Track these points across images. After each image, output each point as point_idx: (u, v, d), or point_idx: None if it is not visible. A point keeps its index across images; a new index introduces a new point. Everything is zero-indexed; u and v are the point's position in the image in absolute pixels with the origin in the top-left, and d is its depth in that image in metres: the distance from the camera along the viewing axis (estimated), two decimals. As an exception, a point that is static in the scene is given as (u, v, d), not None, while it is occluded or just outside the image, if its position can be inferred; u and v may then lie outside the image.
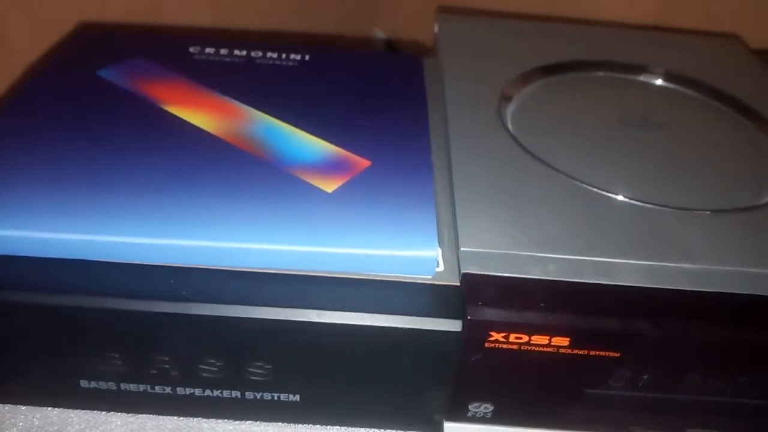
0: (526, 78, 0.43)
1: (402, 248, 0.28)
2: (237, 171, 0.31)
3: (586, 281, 0.29)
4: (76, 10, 0.50)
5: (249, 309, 0.27)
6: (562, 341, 0.28)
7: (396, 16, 0.64)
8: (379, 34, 0.65)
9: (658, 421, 0.31)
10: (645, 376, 0.29)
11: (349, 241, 0.28)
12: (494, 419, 0.31)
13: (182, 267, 0.28)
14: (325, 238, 0.28)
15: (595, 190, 0.34)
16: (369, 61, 0.41)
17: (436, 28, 0.49)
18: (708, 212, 0.33)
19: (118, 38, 0.41)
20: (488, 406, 0.31)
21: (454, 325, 0.27)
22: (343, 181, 0.31)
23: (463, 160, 0.35)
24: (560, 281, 0.29)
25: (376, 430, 0.31)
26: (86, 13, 0.51)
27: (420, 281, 0.29)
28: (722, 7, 0.57)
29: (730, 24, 0.56)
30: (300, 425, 0.31)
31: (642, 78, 0.45)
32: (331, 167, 0.32)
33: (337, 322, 0.27)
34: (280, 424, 0.31)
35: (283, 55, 0.40)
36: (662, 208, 0.33)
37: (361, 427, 0.31)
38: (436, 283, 0.29)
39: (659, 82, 0.45)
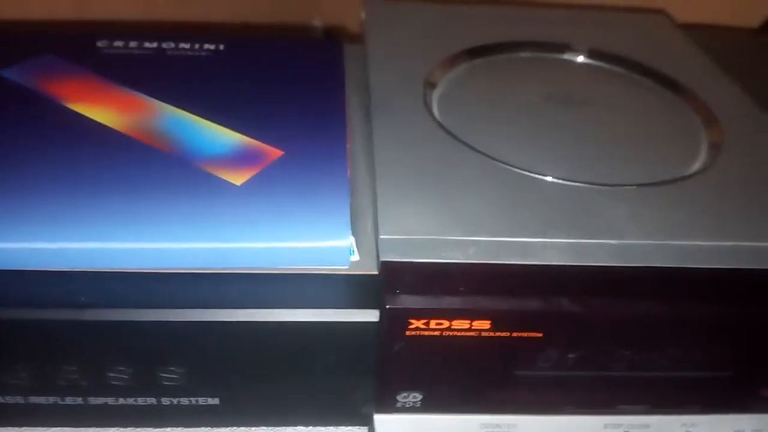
0: (451, 62, 0.43)
1: (315, 239, 0.27)
2: (142, 167, 0.30)
3: (505, 262, 0.28)
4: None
5: (157, 312, 0.26)
6: (483, 324, 0.27)
7: (334, 3, 0.63)
8: (318, 22, 0.64)
9: (588, 400, 0.31)
10: (570, 355, 0.29)
11: (260, 234, 0.27)
12: (424, 408, 0.30)
13: (82, 271, 0.27)
14: (234, 234, 0.27)
15: (520, 171, 0.33)
16: (286, 49, 0.40)
17: (362, 14, 0.48)
18: (634, 187, 0.33)
19: (22, 35, 0.39)
20: (417, 395, 0.30)
21: (371, 315, 0.27)
22: (253, 173, 0.30)
23: (387, 147, 0.34)
24: (479, 264, 0.28)
25: (303, 428, 0.30)
26: (6, 12, 0.49)
27: (337, 272, 0.28)
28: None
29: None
30: (223, 428, 0.30)
31: (566, 56, 0.45)
32: (241, 159, 0.30)
33: (252, 320, 0.26)
34: (201, 428, 0.30)
35: (197, 46, 0.39)
36: (588, 185, 0.33)
37: (289, 425, 0.30)
38: (354, 273, 0.28)
39: (583, 59, 0.45)
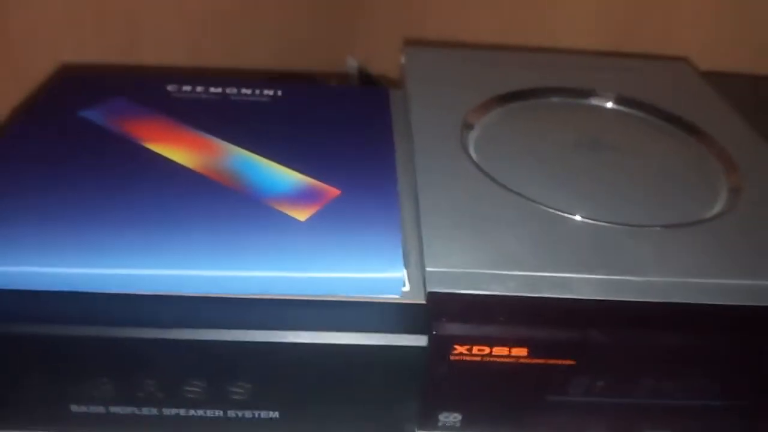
0: (486, 106, 0.46)
1: (370, 270, 0.30)
2: (215, 203, 0.33)
3: (541, 295, 0.31)
4: (53, 51, 0.52)
5: (229, 332, 0.29)
6: (521, 351, 0.30)
7: (368, 49, 0.66)
8: (352, 62, 0.68)
9: (614, 425, 0.34)
10: (600, 383, 0.31)
11: (322, 265, 0.30)
12: (463, 427, 0.33)
13: (165, 295, 0.30)
14: (299, 264, 0.30)
15: (551, 210, 0.36)
16: (338, 95, 0.43)
17: (402, 60, 0.51)
18: (658, 228, 0.36)
19: (98, 79, 0.43)
20: (457, 415, 0.33)
21: (420, 340, 0.29)
22: (315, 210, 0.33)
23: (429, 187, 0.37)
24: (517, 296, 0.31)
25: (351, 442, 0.33)
26: (63, 54, 0.53)
27: (389, 301, 0.31)
28: (674, 33, 0.61)
29: (682, 48, 0.59)
30: (280, 441, 0.33)
31: (594, 102, 0.48)
32: (303, 197, 0.34)
33: (313, 341, 0.29)
34: (261, 440, 0.33)
35: (257, 91, 0.43)
36: (615, 225, 0.36)
37: (338, 440, 0.33)
38: (404, 302, 0.31)
39: (610, 105, 0.48)
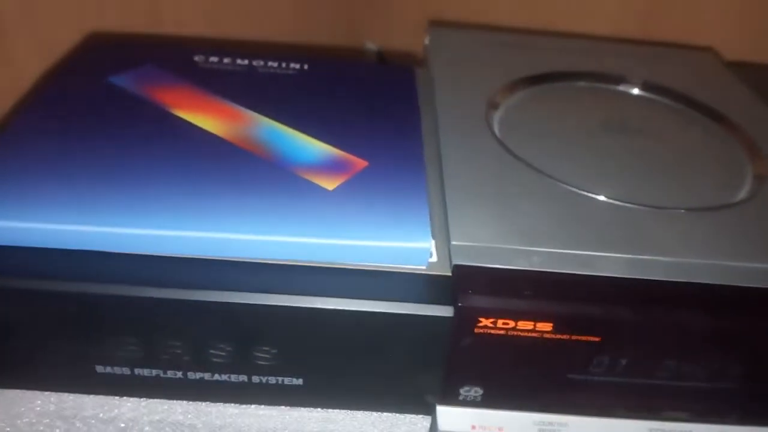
0: (513, 87, 0.46)
1: (398, 239, 0.30)
2: (244, 170, 0.33)
3: (567, 271, 0.31)
4: (76, 22, 0.52)
5: (255, 296, 0.29)
6: (546, 326, 0.30)
7: (386, 28, 0.66)
8: (371, 45, 0.68)
9: (636, 405, 0.34)
10: (623, 361, 0.32)
11: (350, 233, 0.30)
12: (484, 402, 0.33)
13: (195, 258, 0.30)
14: (327, 231, 0.30)
15: (576, 190, 0.36)
16: (364, 71, 0.43)
17: (426, 40, 0.51)
18: (682, 210, 0.36)
19: (126, 47, 0.44)
20: (478, 389, 0.33)
21: (446, 311, 0.29)
22: (343, 180, 0.33)
23: (454, 163, 0.37)
24: (544, 272, 0.31)
25: (373, 412, 0.33)
26: (85, 24, 0.53)
27: (415, 271, 0.31)
28: (700, 23, 0.60)
29: (707, 38, 0.59)
30: (302, 408, 0.33)
31: (621, 88, 0.48)
32: (332, 167, 0.34)
33: (339, 308, 0.29)
34: (283, 407, 0.33)
35: (283, 64, 0.43)
36: (640, 207, 0.36)
37: (359, 409, 0.33)
38: (430, 273, 0.31)
39: (637, 91, 0.48)
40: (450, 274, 0.31)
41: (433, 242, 0.32)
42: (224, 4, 0.59)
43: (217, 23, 0.59)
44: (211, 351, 0.30)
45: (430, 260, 0.31)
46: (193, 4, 0.57)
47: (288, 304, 0.29)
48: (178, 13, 0.57)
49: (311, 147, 0.35)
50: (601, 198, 0.36)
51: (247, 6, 0.60)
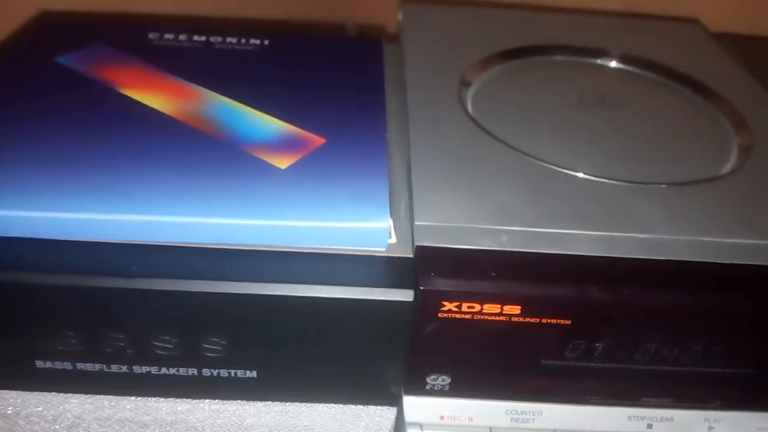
0: (487, 62, 0.44)
1: (354, 220, 0.28)
2: (192, 149, 0.31)
3: (536, 251, 0.29)
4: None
5: (203, 283, 0.27)
6: (514, 309, 0.28)
7: (367, 4, 0.64)
8: (351, 22, 0.65)
9: (613, 391, 0.32)
10: (599, 345, 0.30)
11: (302, 214, 0.28)
12: (452, 391, 0.31)
13: (135, 243, 0.28)
14: (278, 212, 0.28)
15: (551, 167, 0.34)
16: (328, 45, 0.41)
17: (399, 16, 0.49)
18: (664, 185, 0.34)
19: (77, 26, 0.42)
20: (446, 378, 0.31)
21: (406, 295, 0.28)
22: (297, 158, 0.31)
23: (422, 140, 0.35)
24: (511, 251, 0.29)
25: (334, 405, 0.31)
26: (51, 3, 0.51)
27: (374, 253, 0.29)
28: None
29: (693, 9, 0.57)
30: (258, 402, 0.31)
31: (600, 61, 0.46)
32: (285, 145, 0.32)
33: (292, 294, 0.27)
34: (237, 401, 0.31)
35: (243, 40, 0.41)
36: (618, 182, 0.34)
37: (320, 402, 0.31)
38: (390, 255, 0.29)
39: (616, 64, 0.46)
40: (412, 255, 0.29)
41: (391, 221, 0.30)
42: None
43: (188, 2, 0.57)
44: (156, 343, 0.28)
45: (390, 241, 0.29)
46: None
47: (236, 292, 0.27)
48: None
49: (265, 124, 0.33)
50: (579, 175, 0.34)
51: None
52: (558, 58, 0.46)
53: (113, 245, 0.28)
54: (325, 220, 0.28)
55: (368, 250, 0.29)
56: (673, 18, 0.55)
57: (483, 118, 0.38)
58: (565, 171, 0.34)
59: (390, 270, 0.29)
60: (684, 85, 0.44)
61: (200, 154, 0.31)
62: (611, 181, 0.34)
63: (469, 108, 0.39)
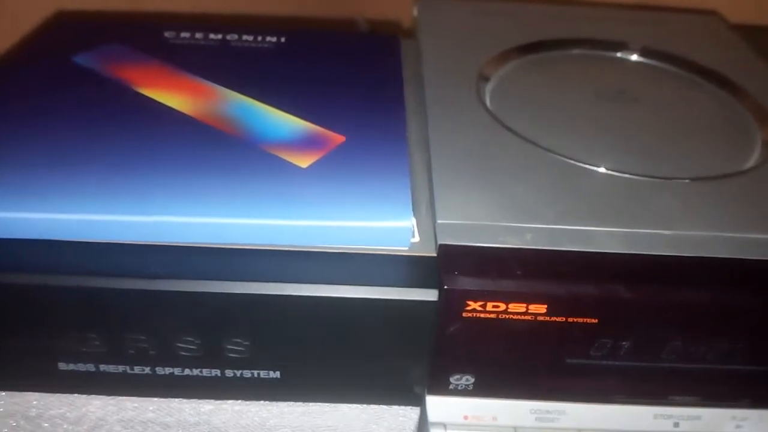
0: (505, 57, 0.43)
1: (377, 219, 0.28)
2: (212, 149, 0.31)
3: (562, 249, 0.29)
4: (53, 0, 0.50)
5: (226, 284, 0.27)
6: (540, 308, 0.28)
7: (379, 0, 0.64)
8: (363, 23, 0.65)
9: (640, 390, 0.31)
10: (625, 344, 0.29)
11: (325, 213, 0.28)
12: (476, 391, 0.31)
13: (156, 244, 0.28)
14: (300, 212, 0.28)
15: (572, 162, 0.34)
16: (345, 42, 0.41)
17: (415, 11, 0.49)
18: (687, 180, 0.33)
19: (94, 25, 0.41)
20: (469, 378, 0.31)
21: (430, 295, 0.27)
22: (318, 157, 0.31)
23: (441, 136, 0.35)
24: (536, 249, 0.29)
25: (357, 405, 0.31)
26: (62, 2, 0.51)
27: (397, 253, 0.29)
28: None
29: (712, 1, 0.56)
30: (281, 403, 0.31)
31: (619, 54, 0.45)
32: (306, 143, 0.32)
33: (315, 295, 0.27)
34: (261, 402, 0.31)
35: (259, 38, 0.40)
36: (640, 177, 0.33)
37: (342, 402, 0.31)
38: (413, 254, 0.29)
39: (636, 57, 0.45)
40: (435, 254, 0.29)
41: (414, 220, 0.29)
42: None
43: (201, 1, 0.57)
44: (179, 344, 0.28)
45: (413, 240, 0.29)
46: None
47: (259, 292, 0.27)
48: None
49: (284, 122, 0.33)
50: (601, 170, 0.33)
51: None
52: (576, 51, 0.45)
53: (136, 247, 0.28)
54: (348, 220, 0.28)
55: (391, 250, 0.29)
56: (690, 9, 0.54)
57: (502, 114, 0.37)
58: (587, 166, 0.34)
59: (413, 269, 0.28)
60: (705, 79, 0.43)
61: (220, 153, 0.30)
62: (633, 177, 0.33)
63: (488, 103, 0.39)
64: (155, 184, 0.29)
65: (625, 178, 0.33)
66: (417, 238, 0.29)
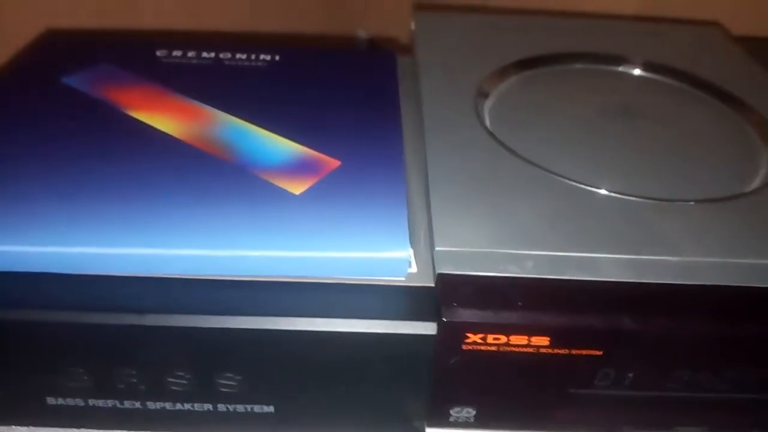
0: (504, 73, 0.42)
1: (373, 249, 0.27)
2: (202, 175, 0.30)
3: (565, 277, 0.28)
4: (46, 16, 0.49)
5: (215, 319, 0.26)
6: (542, 341, 0.27)
7: (379, 16, 0.63)
8: (363, 34, 0.64)
9: (646, 420, 0.30)
10: (630, 374, 0.28)
11: (318, 244, 0.27)
12: (477, 424, 0.30)
13: (145, 277, 0.27)
14: (292, 242, 0.27)
15: (575, 184, 0.33)
16: (340, 60, 0.40)
17: (412, 25, 0.48)
18: (692, 203, 0.32)
19: (84, 44, 0.40)
20: (470, 410, 0.30)
21: (428, 328, 0.26)
22: (312, 183, 0.30)
23: (439, 158, 0.34)
24: (538, 278, 0.28)
25: (355, 439, 0.30)
26: (56, 19, 0.50)
27: (393, 284, 0.28)
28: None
29: (712, 11, 0.55)
30: (276, 437, 0.30)
31: (621, 69, 0.45)
32: (300, 168, 0.31)
33: (308, 329, 0.26)
34: (255, 436, 0.30)
35: (253, 56, 0.39)
36: (644, 200, 0.32)
37: (340, 436, 0.30)
38: (410, 284, 0.28)
39: (639, 72, 0.44)
40: (433, 284, 0.28)
41: (411, 251, 0.28)
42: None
43: (198, 15, 0.56)
44: (169, 379, 0.27)
45: (410, 270, 0.28)
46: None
47: (250, 327, 0.26)
48: (156, 4, 0.54)
49: (277, 146, 0.32)
50: (602, 191, 0.33)
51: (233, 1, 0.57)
52: (578, 66, 0.45)
53: (123, 279, 0.27)
54: (343, 250, 0.27)
55: (387, 280, 0.28)
56: (691, 21, 0.53)
57: (502, 133, 0.36)
58: (590, 188, 0.33)
59: (410, 300, 0.27)
60: (710, 94, 0.42)
61: (211, 180, 0.30)
62: (637, 199, 0.32)
63: (487, 122, 0.38)
64: (143, 214, 0.28)
65: (629, 200, 0.32)
66: (414, 269, 0.28)
